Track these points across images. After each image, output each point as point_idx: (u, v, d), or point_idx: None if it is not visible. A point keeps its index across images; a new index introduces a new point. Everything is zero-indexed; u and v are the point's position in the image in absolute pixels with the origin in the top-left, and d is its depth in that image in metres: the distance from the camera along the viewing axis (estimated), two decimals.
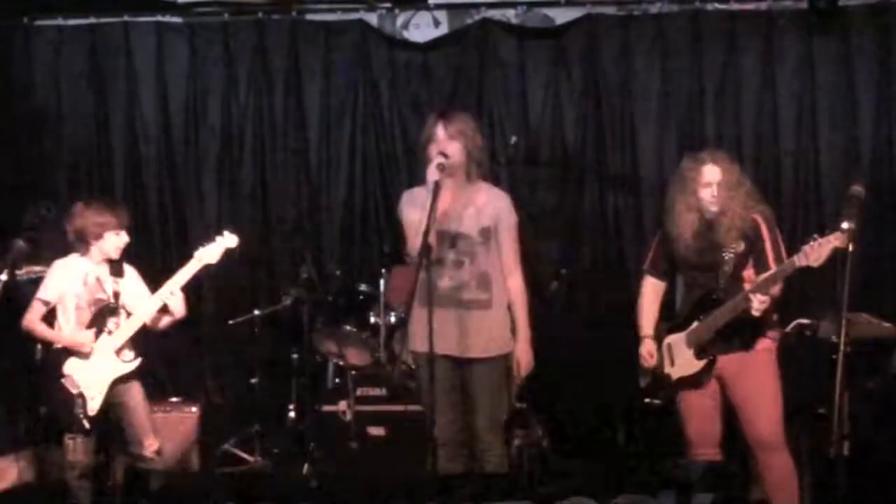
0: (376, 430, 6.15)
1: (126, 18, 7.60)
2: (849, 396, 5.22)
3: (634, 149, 7.35)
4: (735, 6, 7.26)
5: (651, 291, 5.19)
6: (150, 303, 5.49)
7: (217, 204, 7.60)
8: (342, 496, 4.38)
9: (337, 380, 6.58)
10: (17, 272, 5.76)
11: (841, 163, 7.15)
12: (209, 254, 5.56)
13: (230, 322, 6.84)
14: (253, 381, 6.98)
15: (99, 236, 5.48)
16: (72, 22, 7.63)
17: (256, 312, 6.86)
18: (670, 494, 4.13)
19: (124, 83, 7.62)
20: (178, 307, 5.51)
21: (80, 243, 5.52)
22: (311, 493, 5.61)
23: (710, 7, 7.30)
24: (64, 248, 5.83)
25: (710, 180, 4.90)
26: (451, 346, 4.97)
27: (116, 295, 5.52)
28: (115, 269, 5.56)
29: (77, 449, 5.41)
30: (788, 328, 5.92)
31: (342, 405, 6.22)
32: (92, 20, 7.62)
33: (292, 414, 6.68)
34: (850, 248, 4.41)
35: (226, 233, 5.64)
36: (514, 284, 5.11)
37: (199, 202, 7.63)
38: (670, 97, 7.31)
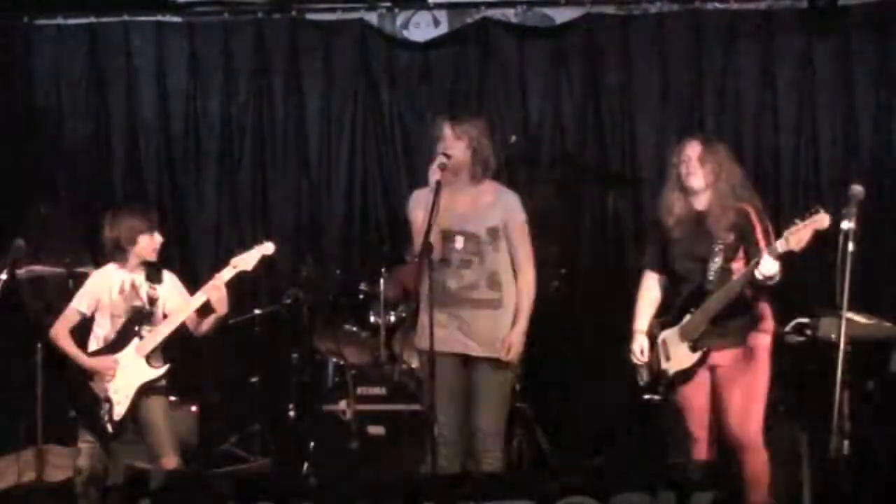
0: (376, 430, 6.16)
1: (126, 18, 7.60)
2: (849, 396, 5.23)
3: (634, 148, 7.35)
4: (735, 6, 7.26)
5: (649, 286, 5.20)
6: (183, 307, 5.42)
7: (217, 204, 7.61)
8: (342, 496, 4.38)
9: (337, 379, 6.58)
10: (17, 272, 5.75)
11: (841, 162, 7.16)
12: (245, 261, 5.43)
13: (230, 322, 6.83)
14: (253, 380, 6.99)
15: (132, 241, 5.41)
16: (72, 22, 7.63)
17: (256, 312, 6.86)
18: (670, 494, 4.13)
19: (124, 83, 7.61)
20: (221, 304, 5.44)
21: (116, 251, 5.47)
22: (311, 493, 5.60)
23: (709, 7, 7.30)
24: (64, 249, 5.83)
25: (689, 154, 4.96)
26: (460, 345, 5.00)
27: (152, 301, 5.44)
28: (153, 274, 5.49)
29: (88, 454, 5.40)
30: (788, 327, 5.93)
31: (342, 405, 6.22)
32: (92, 20, 7.61)
33: (292, 414, 6.68)
34: (850, 247, 4.42)
35: (263, 241, 5.53)
36: (526, 280, 5.12)
37: (199, 202, 7.64)
38: (670, 97, 7.31)
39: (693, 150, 4.97)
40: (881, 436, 5.66)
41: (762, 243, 4.80)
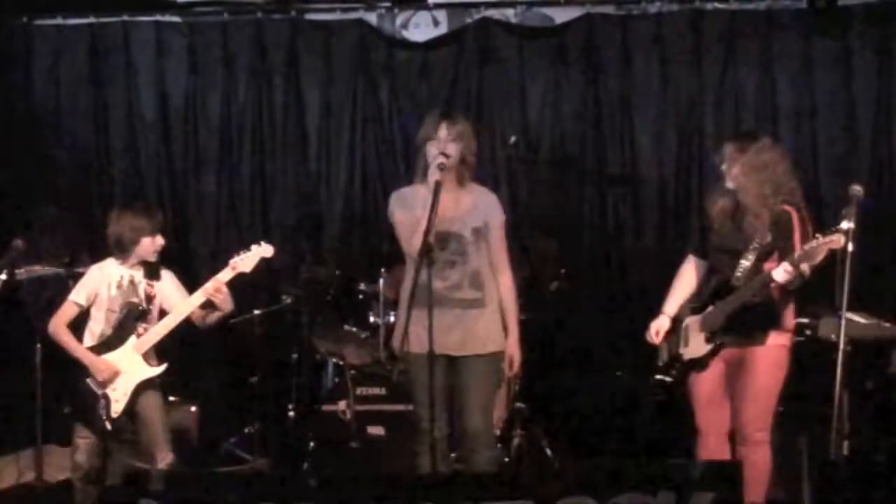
0: (376, 430, 6.16)
1: (126, 18, 7.61)
2: (849, 396, 5.23)
3: (634, 148, 7.35)
4: (735, 6, 7.26)
5: (687, 270, 5.24)
6: (181, 307, 5.45)
7: (217, 204, 7.61)
8: (342, 496, 4.38)
9: (337, 379, 6.58)
10: (17, 272, 5.75)
11: (841, 163, 7.16)
12: (244, 263, 5.47)
13: (230, 321, 6.83)
14: (253, 380, 6.99)
15: (135, 241, 5.47)
16: (72, 22, 7.64)
17: (256, 312, 6.86)
18: (670, 494, 4.12)
19: (124, 83, 7.62)
20: (226, 303, 5.48)
21: (117, 249, 5.51)
22: (311, 493, 5.60)
23: (709, 7, 7.30)
24: (64, 249, 5.83)
25: (723, 154, 5.02)
26: (445, 345, 4.96)
27: (150, 298, 5.49)
28: (151, 272, 5.53)
29: (86, 451, 5.41)
30: None
31: (342, 405, 6.22)
32: (92, 20, 7.62)
33: (292, 414, 6.68)
34: (850, 247, 4.42)
35: (262, 242, 5.56)
36: (505, 282, 5.12)
37: (198, 202, 7.64)
38: (670, 97, 7.31)
39: (726, 150, 5.03)
40: (881, 436, 5.66)
41: (798, 247, 4.80)
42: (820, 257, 4.52)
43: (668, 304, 5.20)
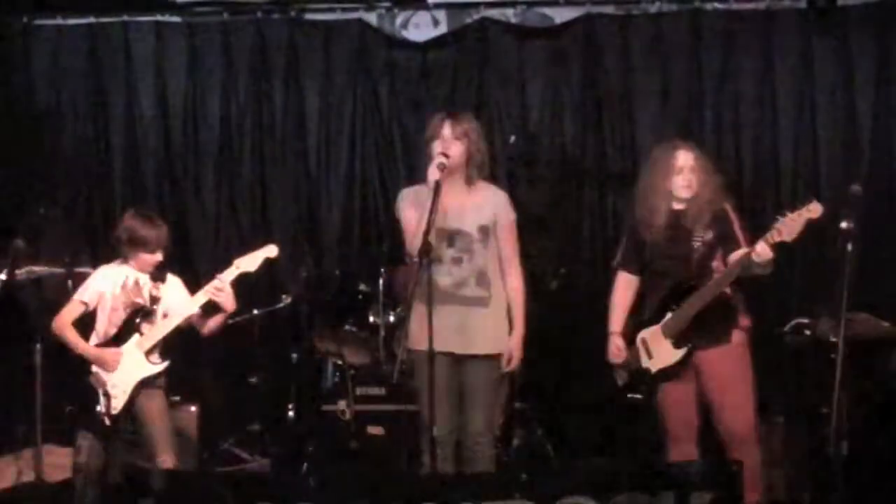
0: (375, 430, 6.16)
1: (126, 18, 7.60)
2: (849, 396, 5.23)
3: (633, 148, 7.35)
4: (735, 6, 7.27)
5: (623, 287, 5.23)
6: (185, 306, 5.46)
7: (217, 204, 7.61)
8: (342, 496, 4.38)
9: (336, 379, 6.58)
10: (17, 272, 5.75)
11: (840, 163, 7.16)
12: (248, 262, 5.49)
13: (230, 321, 6.83)
14: (253, 380, 6.99)
15: (134, 250, 5.48)
16: (72, 21, 7.63)
17: (256, 312, 6.86)
18: (670, 494, 4.13)
19: (124, 82, 7.62)
20: (228, 302, 5.49)
21: (119, 252, 5.54)
22: (311, 493, 5.61)
23: (709, 7, 7.30)
24: (63, 249, 5.83)
25: (683, 165, 4.99)
26: (449, 343, 4.97)
27: (154, 299, 5.50)
28: (157, 274, 5.55)
29: (86, 452, 5.41)
30: (787, 327, 5.94)
31: (342, 405, 6.23)
32: (91, 20, 7.62)
33: (292, 414, 6.68)
34: (850, 247, 4.43)
35: (268, 244, 5.59)
36: (514, 282, 5.13)
37: (199, 202, 7.64)
38: (670, 97, 7.31)
39: (687, 160, 5.00)
40: (880, 436, 5.67)
41: (740, 238, 4.84)
42: (798, 230, 4.53)
43: (614, 322, 5.19)
